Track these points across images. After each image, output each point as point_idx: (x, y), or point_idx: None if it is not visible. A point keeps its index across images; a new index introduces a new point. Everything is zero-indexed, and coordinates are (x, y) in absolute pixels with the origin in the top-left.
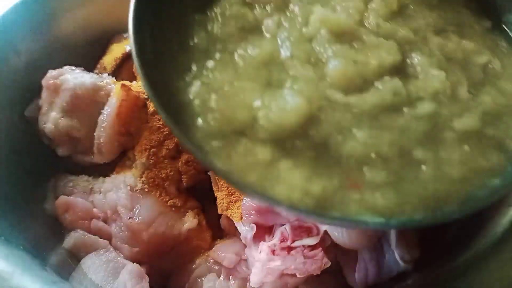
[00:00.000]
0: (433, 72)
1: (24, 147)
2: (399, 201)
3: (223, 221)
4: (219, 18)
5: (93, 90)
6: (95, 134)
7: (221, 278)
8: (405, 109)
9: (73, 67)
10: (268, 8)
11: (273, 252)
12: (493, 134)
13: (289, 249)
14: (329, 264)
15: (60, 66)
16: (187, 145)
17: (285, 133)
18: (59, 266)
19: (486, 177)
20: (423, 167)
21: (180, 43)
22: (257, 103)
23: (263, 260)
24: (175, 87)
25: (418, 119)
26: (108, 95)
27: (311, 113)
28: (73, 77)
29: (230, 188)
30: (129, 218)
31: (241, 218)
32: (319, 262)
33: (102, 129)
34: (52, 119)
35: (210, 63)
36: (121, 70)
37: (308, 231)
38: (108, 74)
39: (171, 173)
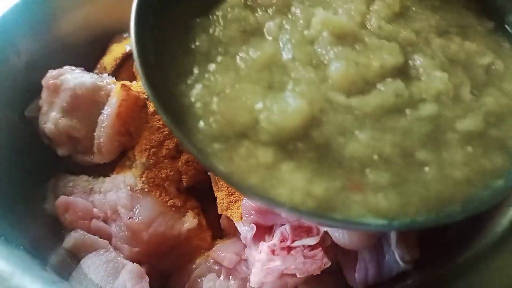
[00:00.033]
0: (435, 74)
1: (24, 147)
2: (401, 202)
3: (223, 221)
4: (221, 21)
5: (93, 90)
6: (95, 134)
7: (221, 278)
8: (407, 111)
9: (73, 67)
10: (269, 11)
11: (273, 252)
12: (496, 135)
13: (289, 249)
14: (329, 264)
15: (60, 66)
16: (188, 147)
17: (287, 135)
18: (59, 266)
19: (490, 178)
20: (426, 168)
21: (181, 45)
22: (259, 105)
23: (263, 260)
24: (176, 89)
25: (421, 121)
26: (108, 95)
27: (313, 115)
28: (73, 77)
29: (230, 188)
30: (129, 218)
31: (241, 218)
32: (319, 262)
33: (102, 129)
34: (52, 119)
35: (211, 66)
36: (121, 70)
37: (308, 231)
38: (108, 74)
39: (171, 173)
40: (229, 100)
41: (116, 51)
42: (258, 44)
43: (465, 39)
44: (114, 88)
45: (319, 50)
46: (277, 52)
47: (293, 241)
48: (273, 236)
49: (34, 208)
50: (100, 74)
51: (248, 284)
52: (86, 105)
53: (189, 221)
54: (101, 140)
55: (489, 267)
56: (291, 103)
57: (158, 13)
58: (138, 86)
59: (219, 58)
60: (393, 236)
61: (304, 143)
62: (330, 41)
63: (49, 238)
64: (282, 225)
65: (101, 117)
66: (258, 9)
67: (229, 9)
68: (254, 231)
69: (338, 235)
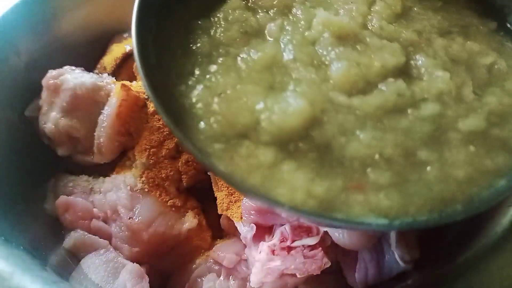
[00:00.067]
0: (437, 73)
1: (24, 147)
2: (403, 202)
3: (223, 221)
4: (222, 23)
5: (93, 90)
6: (95, 134)
7: (221, 278)
8: (409, 111)
9: (73, 67)
10: (271, 12)
11: (273, 252)
12: (498, 134)
13: (289, 249)
14: (329, 264)
15: (60, 66)
16: (189, 147)
17: (288, 136)
18: (59, 266)
19: (492, 177)
20: (428, 168)
21: (182, 47)
22: (260, 106)
23: (263, 260)
24: (177, 90)
25: (422, 121)
26: (108, 95)
27: (314, 115)
28: (73, 77)
29: (230, 188)
30: (129, 218)
31: (241, 218)
32: (319, 262)
33: (102, 129)
34: (52, 119)
35: (212, 67)
36: (121, 70)
37: (308, 231)
38: (108, 74)
39: (171, 173)
40: (230, 100)
41: (116, 51)
42: (259, 45)
43: (467, 39)
44: (114, 88)
45: (320, 50)
46: (278, 53)
47: (293, 241)
48: (273, 236)
49: (34, 208)
50: (100, 74)
51: (248, 284)
52: (86, 105)
53: (189, 221)
54: (101, 140)
55: (489, 267)
56: (292, 103)
57: (159, 15)
58: (138, 86)
59: (220, 59)
60: (393, 236)
61: (305, 143)
62: (331, 41)
63: (49, 238)
64: (282, 225)
65: (101, 117)
66: (259, 11)
67: (230, 11)
68: (254, 231)
69: (338, 235)
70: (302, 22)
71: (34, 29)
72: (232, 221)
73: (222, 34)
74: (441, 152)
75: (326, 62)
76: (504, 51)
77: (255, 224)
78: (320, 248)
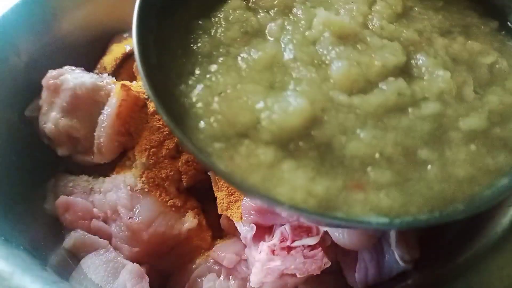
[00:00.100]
0: (438, 73)
1: (24, 147)
2: (403, 201)
3: (223, 221)
4: (223, 23)
5: (93, 90)
6: (95, 134)
7: (221, 278)
8: (409, 110)
9: (73, 67)
10: (271, 12)
11: (273, 252)
12: (500, 133)
13: (289, 249)
14: (329, 264)
15: (60, 66)
16: (188, 146)
17: (288, 135)
18: (59, 266)
19: (493, 177)
20: (429, 167)
21: (183, 47)
22: (260, 105)
23: (263, 260)
24: (177, 89)
25: (423, 120)
26: (108, 95)
27: (314, 114)
28: (73, 77)
29: (230, 188)
30: (129, 218)
31: (241, 218)
32: (319, 262)
33: (102, 129)
34: (52, 119)
35: (213, 67)
36: (121, 70)
37: (308, 231)
38: (108, 74)
39: (171, 173)
40: (230, 100)
41: (116, 51)
42: (260, 45)
43: (468, 38)
44: (114, 88)
45: (321, 50)
46: (278, 53)
47: (293, 241)
48: (273, 236)
49: (34, 208)
50: (100, 74)
51: (248, 284)
52: (86, 105)
53: (189, 221)
54: (101, 140)
55: (489, 267)
56: (292, 103)
57: (160, 15)
58: (138, 86)
59: (220, 59)
60: (393, 235)
61: (305, 142)
62: (331, 41)
63: (49, 238)
64: (282, 225)
65: (101, 117)
66: (260, 11)
67: (230, 11)
68: (254, 231)
69: (338, 235)
70: (303, 22)
71: (34, 29)
72: (232, 221)
73: (222, 34)
74: (441, 151)
75: (327, 62)
76: (505, 51)
77: (255, 224)
78: (320, 248)
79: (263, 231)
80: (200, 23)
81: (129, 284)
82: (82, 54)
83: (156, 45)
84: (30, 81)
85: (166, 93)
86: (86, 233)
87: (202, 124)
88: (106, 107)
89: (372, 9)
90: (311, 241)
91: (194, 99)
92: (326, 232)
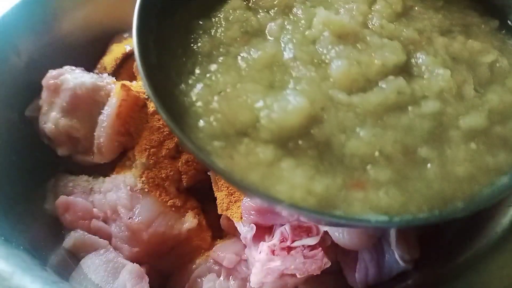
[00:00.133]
0: (437, 71)
1: (24, 147)
2: (403, 199)
3: (223, 221)
4: (223, 23)
5: (93, 90)
6: (95, 134)
7: (221, 278)
8: (409, 108)
9: (73, 67)
10: (271, 12)
11: (273, 252)
12: (500, 132)
13: (289, 249)
14: (329, 264)
15: (60, 66)
16: (188, 145)
17: (288, 133)
18: (59, 266)
19: (493, 175)
20: (428, 165)
21: (183, 46)
22: (260, 104)
23: (263, 260)
24: (177, 89)
25: (423, 118)
26: (108, 95)
27: (314, 113)
28: (73, 77)
29: (230, 188)
30: (129, 218)
31: (241, 218)
32: (319, 262)
33: (102, 129)
34: (52, 119)
35: (213, 66)
36: (121, 70)
37: (308, 231)
38: (108, 74)
39: (171, 173)
40: (230, 99)
41: (116, 51)
42: (260, 44)
43: (469, 37)
44: (114, 88)
45: (321, 49)
46: (278, 52)
47: (293, 241)
48: (273, 236)
49: (34, 208)
50: (100, 74)
51: (248, 284)
52: (86, 105)
53: (189, 221)
54: (101, 140)
55: (489, 267)
56: (292, 101)
57: (160, 15)
58: (138, 86)
59: (220, 58)
60: (393, 235)
61: (305, 140)
62: (331, 40)
63: (49, 238)
64: (282, 225)
65: (101, 117)
66: (260, 11)
67: (231, 11)
68: (254, 231)
69: (338, 235)
70: (303, 22)
71: (34, 29)
72: (232, 221)
73: (222, 34)
74: (441, 149)
75: (326, 61)
76: (505, 49)
77: (255, 224)
78: (320, 248)
79: (263, 231)
80: (200, 23)
81: (129, 284)
82: (82, 54)
83: (156, 45)
84: (30, 81)
85: (166, 93)
86: (86, 233)
87: (201, 122)
88: (106, 107)
89: (372, 8)
90: (311, 241)
91: (193, 98)
92: (326, 232)
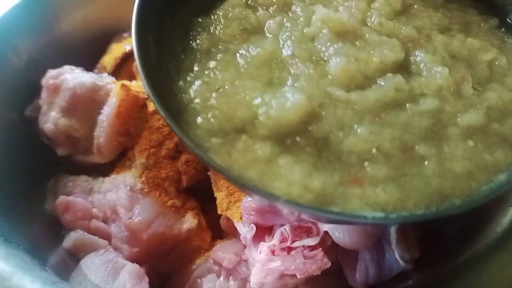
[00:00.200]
0: (436, 69)
1: (24, 147)
2: (401, 196)
3: (223, 221)
4: (222, 20)
5: (93, 90)
6: (94, 134)
7: (221, 278)
8: (407, 105)
9: (73, 67)
10: (270, 9)
11: (273, 252)
12: (498, 129)
13: (289, 249)
14: (330, 264)
15: (60, 66)
16: (186, 141)
17: (286, 130)
18: (58, 266)
19: (491, 173)
20: (426, 162)
21: (182, 44)
22: (258, 101)
23: (263, 260)
24: (176, 86)
25: (421, 115)
26: (107, 95)
27: (312, 110)
28: (73, 77)
29: (230, 188)
30: (129, 218)
31: (241, 218)
32: (319, 262)
33: (101, 129)
34: (52, 119)
35: (211, 63)
36: (121, 70)
37: (308, 232)
38: (108, 74)
39: (171, 173)
40: (228, 95)
41: (116, 51)
42: (259, 42)
43: (468, 35)
44: (114, 88)
45: (319, 46)
46: (277, 49)
47: (293, 242)
48: (273, 236)
49: (34, 208)
50: (100, 74)
51: (248, 284)
52: (86, 105)
53: (189, 221)
54: (101, 140)
55: (489, 267)
56: (290, 98)
57: (159, 14)
58: (138, 86)
59: (219, 56)
60: (393, 235)
61: (303, 137)
62: (330, 37)
63: (49, 238)
64: (282, 225)
65: (100, 117)
66: (259, 8)
67: (230, 9)
68: (254, 232)
69: (338, 235)
70: (302, 19)
71: (34, 29)
72: (232, 221)
73: (221, 31)
74: (439, 146)
75: (325, 58)
76: (505, 47)
77: (255, 225)
78: (321, 249)
79: (263, 231)
80: (200, 20)
81: (129, 285)
82: (82, 54)
83: (156, 44)
84: (30, 81)
85: (165, 91)
86: (85, 233)
87: (199, 119)
88: (105, 107)
89: (371, 6)
90: (311, 241)
91: (192, 95)
92: (326, 232)
